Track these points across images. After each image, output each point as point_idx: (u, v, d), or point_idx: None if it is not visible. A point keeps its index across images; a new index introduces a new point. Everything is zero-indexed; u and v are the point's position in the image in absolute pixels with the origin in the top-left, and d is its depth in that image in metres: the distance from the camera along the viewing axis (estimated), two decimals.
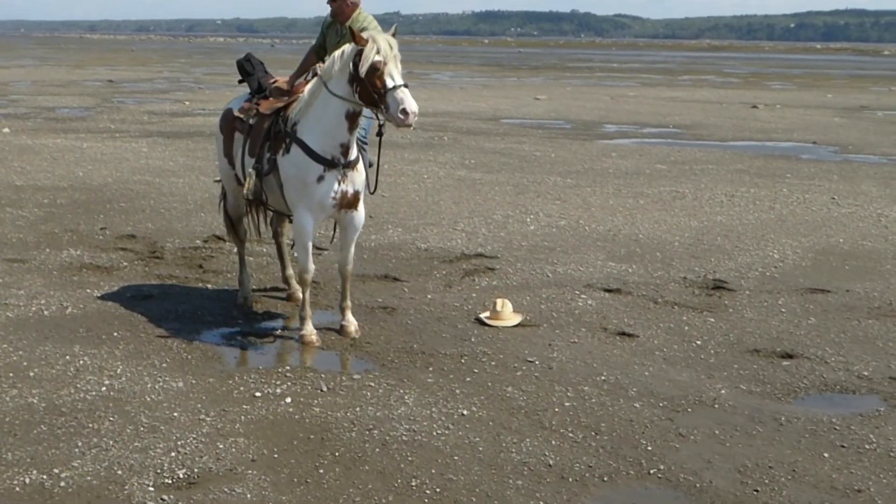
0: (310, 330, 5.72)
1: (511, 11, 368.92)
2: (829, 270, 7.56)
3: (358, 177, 5.60)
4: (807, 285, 7.06)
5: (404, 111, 5.02)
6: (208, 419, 4.51)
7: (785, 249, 8.21)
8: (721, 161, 14.15)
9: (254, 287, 6.71)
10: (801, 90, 33.45)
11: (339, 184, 5.50)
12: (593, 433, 4.40)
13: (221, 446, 4.23)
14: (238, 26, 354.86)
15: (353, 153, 5.53)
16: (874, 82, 40.36)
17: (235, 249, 6.79)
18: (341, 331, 5.84)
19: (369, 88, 5.17)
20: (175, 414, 4.56)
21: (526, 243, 8.35)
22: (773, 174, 12.77)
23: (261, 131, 5.83)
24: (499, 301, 6.13)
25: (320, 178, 5.47)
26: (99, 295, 6.58)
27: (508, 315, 6.09)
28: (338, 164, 5.47)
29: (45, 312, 6.17)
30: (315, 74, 5.83)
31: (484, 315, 6.15)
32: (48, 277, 7.02)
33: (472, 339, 5.76)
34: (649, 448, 4.25)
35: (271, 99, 6.02)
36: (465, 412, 4.62)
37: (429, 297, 6.68)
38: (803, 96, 29.76)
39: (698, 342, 5.74)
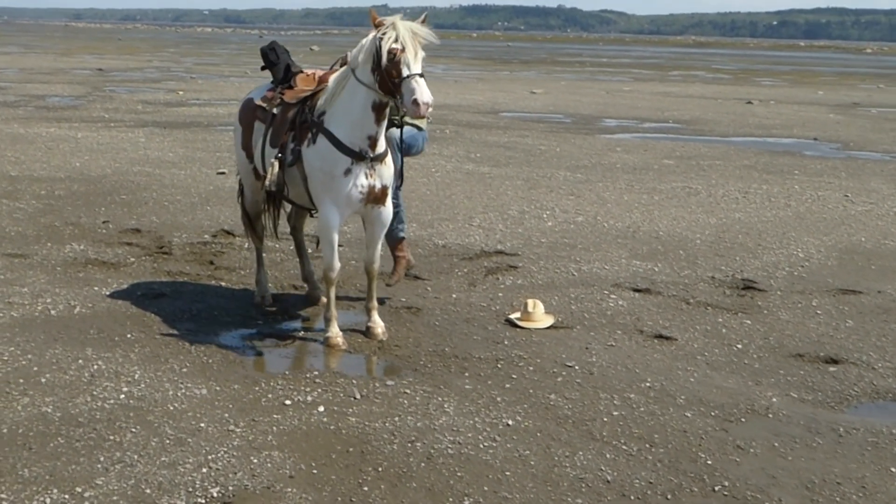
0: (336, 332, 5.45)
1: (498, 6, 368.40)
2: (855, 270, 7.38)
3: (386, 171, 5.32)
4: (837, 286, 6.87)
5: (415, 101, 4.75)
6: (238, 430, 4.24)
7: (809, 248, 8.02)
8: (727, 157, 13.98)
9: (270, 285, 6.42)
10: (792, 87, 33.44)
11: (367, 177, 5.23)
12: (648, 445, 4.17)
13: (255, 461, 3.96)
14: (225, 17, 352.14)
15: (382, 146, 5.26)
16: (861, 79, 40.50)
17: (252, 246, 6.48)
18: (367, 332, 5.57)
19: (387, 77, 4.91)
20: (202, 424, 4.28)
21: (545, 240, 8.11)
22: (782, 171, 12.61)
23: (285, 121, 5.54)
24: (530, 302, 5.88)
25: (347, 171, 5.19)
26: (108, 293, 6.27)
27: (540, 316, 5.85)
28: (365, 156, 5.20)
29: (52, 312, 5.85)
30: (342, 62, 5.56)
31: (514, 316, 5.91)
32: (52, 274, 6.70)
33: (506, 342, 5.51)
34: (709, 462, 4.02)
35: (296, 88, 5.74)
36: (509, 422, 4.38)
37: (453, 296, 6.42)
38: (795, 93, 29.72)
39: (739, 346, 5.52)
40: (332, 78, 5.41)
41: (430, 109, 4.90)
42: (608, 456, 4.06)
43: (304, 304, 6.26)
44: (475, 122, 17.94)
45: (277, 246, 7.50)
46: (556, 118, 19.78)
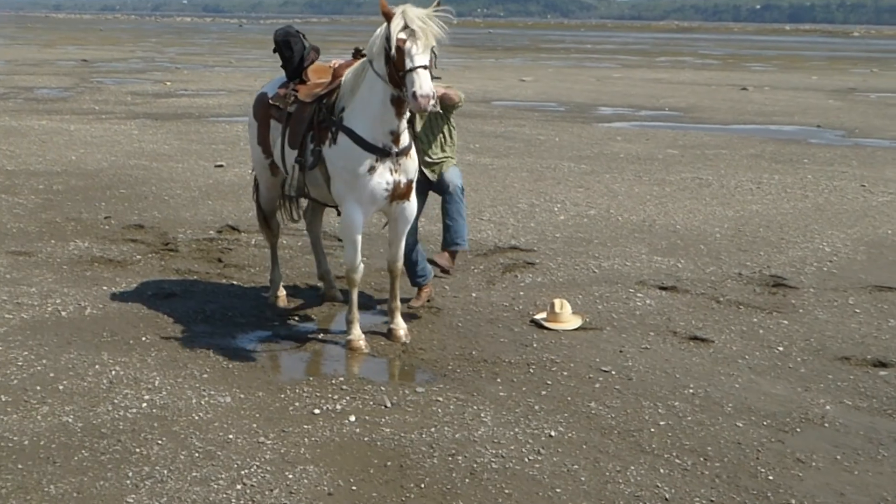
0: (358, 335, 5.23)
1: None
2: (887, 266, 7.21)
3: (411, 165, 5.09)
4: (871, 282, 6.69)
5: (414, 95, 4.50)
6: (268, 442, 4.02)
7: (834, 242, 7.85)
8: (731, 145, 13.81)
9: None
10: (784, 72, 33.33)
11: (392, 174, 5.00)
12: (702, 459, 3.97)
13: (291, 476, 3.74)
14: (204, 6, 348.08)
15: (405, 140, 5.02)
16: (853, 64, 40.47)
17: (267, 244, 6.24)
18: (390, 335, 5.35)
19: (394, 70, 4.67)
20: (230, 436, 4.06)
21: (560, 235, 7.91)
22: (791, 159, 12.45)
23: (301, 120, 5.28)
24: (557, 302, 5.68)
25: (371, 169, 4.95)
26: (117, 293, 6.01)
27: (568, 317, 5.64)
28: (390, 152, 4.96)
29: (63, 313, 5.60)
30: (356, 53, 5.31)
31: (540, 316, 5.70)
32: (58, 273, 6.43)
33: (535, 345, 5.31)
34: (770, 477, 3.83)
35: (310, 83, 5.48)
36: (552, 433, 4.18)
37: (473, 295, 6.21)
38: (789, 78, 29.61)
39: (780, 348, 5.34)
40: (349, 71, 5.17)
41: (433, 103, 4.64)
42: (662, 471, 3.87)
43: (319, 299, 6.04)
44: (468, 111, 17.65)
45: (286, 242, 7.25)
46: (550, 106, 19.55)
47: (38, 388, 4.49)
